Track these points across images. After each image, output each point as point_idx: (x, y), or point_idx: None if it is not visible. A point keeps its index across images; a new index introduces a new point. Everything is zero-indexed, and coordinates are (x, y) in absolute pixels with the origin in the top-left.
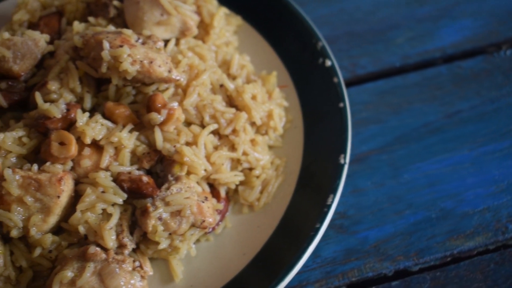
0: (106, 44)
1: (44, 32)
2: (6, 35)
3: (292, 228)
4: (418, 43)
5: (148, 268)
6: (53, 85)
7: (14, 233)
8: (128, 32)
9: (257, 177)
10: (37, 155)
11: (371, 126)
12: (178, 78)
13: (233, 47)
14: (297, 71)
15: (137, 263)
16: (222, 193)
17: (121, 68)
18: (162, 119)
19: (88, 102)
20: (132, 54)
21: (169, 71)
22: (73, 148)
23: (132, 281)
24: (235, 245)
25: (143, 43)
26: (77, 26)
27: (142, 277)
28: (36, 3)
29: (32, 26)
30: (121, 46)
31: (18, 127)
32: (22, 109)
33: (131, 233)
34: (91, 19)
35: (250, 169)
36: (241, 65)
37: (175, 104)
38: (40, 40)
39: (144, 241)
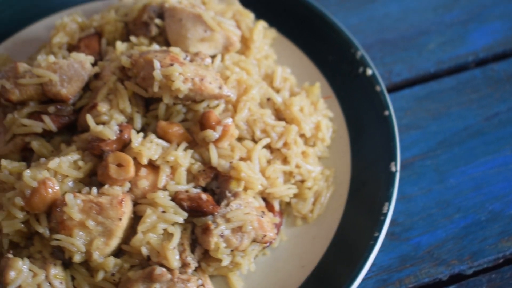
0: (156, 64)
1: (86, 54)
2: (52, 58)
3: (348, 238)
4: (449, 48)
5: (210, 286)
6: (103, 107)
7: (77, 258)
8: (175, 50)
9: (309, 188)
10: (91, 178)
11: (412, 132)
12: (229, 94)
13: (272, 60)
14: (337, 81)
15: (199, 282)
16: (277, 206)
17: (174, 87)
18: (217, 136)
19: (138, 123)
20: (183, 72)
21: (220, 88)
22: (132, 170)
23: None
24: (293, 258)
25: (191, 61)
26: (120, 46)
27: None
28: (75, 25)
29: (72, 48)
30: (171, 65)
31: (72, 150)
32: (70, 132)
33: (192, 252)
34: (132, 38)
35: (302, 181)
36: (283, 78)
37: (229, 121)
38: (86, 62)
39: (204, 259)
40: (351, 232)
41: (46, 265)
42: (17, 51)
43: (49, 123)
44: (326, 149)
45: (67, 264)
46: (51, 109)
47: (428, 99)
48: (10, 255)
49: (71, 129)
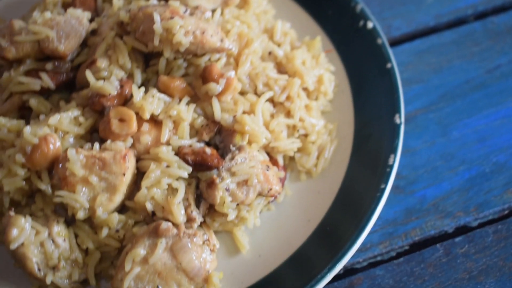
0: (157, 17)
1: (82, 11)
2: (48, 15)
3: (354, 191)
4: (448, 2)
5: (215, 241)
6: (102, 63)
7: (80, 214)
8: (175, 3)
9: (313, 143)
10: (92, 134)
11: (414, 86)
12: (230, 47)
13: (271, 15)
14: (337, 35)
15: (205, 237)
16: (280, 161)
17: (175, 40)
18: (220, 89)
19: (138, 78)
20: (184, 26)
21: (221, 41)
22: (134, 124)
23: (204, 255)
24: (298, 212)
25: (191, 14)
26: (117, 2)
27: (212, 250)
28: None
29: (67, 5)
30: (171, 18)
31: (72, 107)
32: (68, 89)
33: (197, 207)
34: None
35: (305, 135)
36: (284, 32)
37: (232, 73)
38: (83, 18)
39: (209, 214)
40: (356, 185)
41: (48, 222)
42: (9, 12)
43: (47, 80)
44: (329, 103)
45: (69, 222)
46: (49, 66)
47: (428, 53)
48: (11, 213)
49: (69, 87)
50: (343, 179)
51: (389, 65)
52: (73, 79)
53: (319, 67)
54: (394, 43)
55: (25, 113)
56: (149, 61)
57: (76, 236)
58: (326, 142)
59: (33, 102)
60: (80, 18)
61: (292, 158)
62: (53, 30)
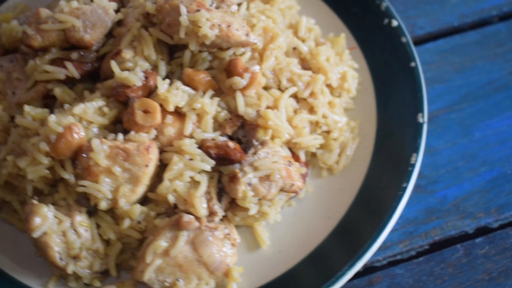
0: (183, 9)
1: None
2: (75, 3)
3: (375, 189)
4: (473, 2)
5: (236, 235)
6: (127, 54)
7: (103, 205)
8: None
9: (335, 139)
10: (116, 125)
11: (436, 85)
12: (255, 41)
13: (295, 11)
14: (361, 33)
15: (226, 230)
16: (302, 157)
17: (200, 33)
18: (245, 83)
19: (162, 70)
20: (210, 18)
21: (247, 35)
22: (158, 116)
23: (224, 249)
24: (319, 209)
25: (217, 7)
26: None
27: (233, 244)
28: None
29: None
30: (198, 11)
31: (96, 97)
32: (93, 79)
33: (219, 201)
34: None
35: (327, 132)
36: (308, 28)
37: (256, 68)
38: (110, 8)
39: (231, 208)
40: (377, 183)
41: (71, 212)
42: (34, 1)
43: (72, 70)
44: (351, 100)
45: (91, 212)
46: (74, 55)
47: (452, 53)
48: (35, 201)
49: (93, 77)
50: (364, 177)
51: (413, 64)
52: (97, 69)
53: (342, 64)
54: (418, 42)
55: (49, 102)
56: (174, 53)
57: (97, 226)
58: (348, 139)
59: (58, 91)
60: (106, 8)
61: (313, 155)
62: (79, 19)
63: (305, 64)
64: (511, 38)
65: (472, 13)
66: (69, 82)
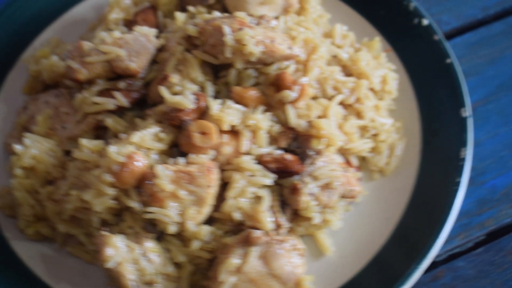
0: (226, 29)
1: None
2: (117, 33)
3: (429, 187)
4: None
5: (302, 245)
6: (174, 78)
7: (171, 229)
8: (241, 14)
9: (383, 141)
10: (171, 149)
11: (470, 78)
12: (299, 53)
13: (326, 19)
14: (393, 35)
15: (293, 242)
16: (355, 162)
17: (246, 50)
18: (295, 95)
19: (210, 91)
20: (253, 36)
21: (290, 48)
22: (216, 136)
23: (293, 260)
24: (376, 211)
25: (257, 24)
26: (180, 16)
27: (300, 254)
28: (128, 1)
29: (128, 23)
30: (240, 29)
31: (150, 123)
32: (139, 107)
33: (282, 213)
34: (190, 8)
35: (375, 135)
36: (343, 35)
37: (305, 80)
38: (151, 34)
39: (294, 219)
40: (430, 180)
41: (139, 239)
42: (66, 33)
43: (121, 99)
44: (393, 101)
45: (159, 237)
46: (122, 84)
47: (480, 45)
48: (104, 232)
49: (140, 104)
50: (416, 175)
51: (449, 61)
52: (144, 96)
53: (381, 67)
54: (445, 37)
55: (100, 133)
56: (218, 73)
57: (166, 250)
58: (395, 140)
59: (109, 121)
60: (148, 35)
61: (363, 158)
62: (123, 48)
63: (345, 71)
64: None
65: (495, 4)
66: (118, 111)
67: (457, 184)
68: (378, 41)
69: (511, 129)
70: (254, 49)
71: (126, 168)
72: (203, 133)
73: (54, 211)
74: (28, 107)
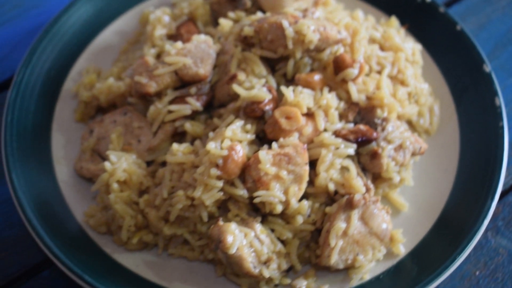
0: (285, 23)
1: (188, 38)
2: (180, 44)
3: (475, 136)
4: None
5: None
6: (241, 76)
7: (279, 208)
8: (290, 10)
9: (424, 105)
10: (256, 139)
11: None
12: (346, 37)
13: (341, 8)
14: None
15: (379, 203)
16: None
17: (307, 39)
18: (356, 72)
19: (273, 83)
20: (309, 26)
21: (339, 33)
22: (301, 118)
23: (386, 218)
24: (434, 165)
25: (304, 17)
26: (225, 22)
27: (387, 212)
28: (167, 17)
29: (171, 38)
30: (296, 22)
31: (231, 119)
32: (206, 109)
33: None
34: (230, 14)
35: (415, 100)
36: (364, 19)
37: (361, 58)
38: (210, 40)
39: (374, 183)
40: (474, 131)
41: (249, 224)
42: (98, 60)
43: (195, 103)
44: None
45: (261, 221)
46: (193, 90)
47: (467, 14)
48: (221, 222)
49: (206, 106)
50: (459, 129)
51: (458, 27)
52: (212, 98)
53: (406, 39)
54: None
55: (176, 139)
56: (274, 66)
57: (271, 231)
58: (432, 102)
59: (188, 126)
60: (207, 41)
61: (409, 122)
62: (187, 57)
63: (381, 47)
64: None
65: None
66: (193, 116)
67: (501, 128)
68: (395, 19)
69: None
70: (313, 37)
71: (229, 160)
72: (288, 118)
73: (156, 217)
74: (94, 130)
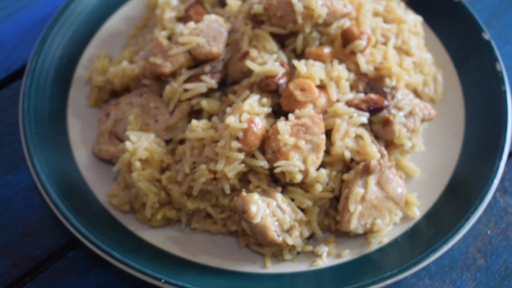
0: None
1: (197, 19)
2: (192, 24)
3: (480, 100)
4: None
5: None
6: (254, 52)
7: (299, 177)
8: None
9: (428, 74)
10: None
11: None
12: (351, 10)
13: None
14: None
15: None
16: None
17: (316, 13)
18: (365, 44)
19: (284, 58)
20: (317, 0)
21: (345, 6)
22: (315, 89)
23: (400, 182)
24: (441, 131)
25: None
26: (232, 2)
27: (401, 177)
28: (175, 0)
29: (181, 19)
30: None
31: (246, 94)
32: (219, 87)
33: None
34: None
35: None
36: None
37: (368, 30)
38: (221, 19)
39: (387, 150)
40: (478, 96)
41: (271, 194)
42: (107, 47)
43: (210, 81)
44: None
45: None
46: (207, 68)
47: None
48: (244, 193)
49: (220, 84)
50: (463, 95)
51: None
52: (225, 75)
53: (407, 13)
54: None
55: (193, 117)
56: (283, 43)
57: (291, 200)
58: (435, 71)
59: (204, 103)
60: (218, 20)
61: (414, 91)
62: (200, 36)
63: (384, 20)
64: None
65: None
66: (208, 93)
67: (504, 92)
68: None
69: None
70: (322, 11)
71: (250, 132)
72: (302, 90)
73: (179, 192)
74: (110, 113)
